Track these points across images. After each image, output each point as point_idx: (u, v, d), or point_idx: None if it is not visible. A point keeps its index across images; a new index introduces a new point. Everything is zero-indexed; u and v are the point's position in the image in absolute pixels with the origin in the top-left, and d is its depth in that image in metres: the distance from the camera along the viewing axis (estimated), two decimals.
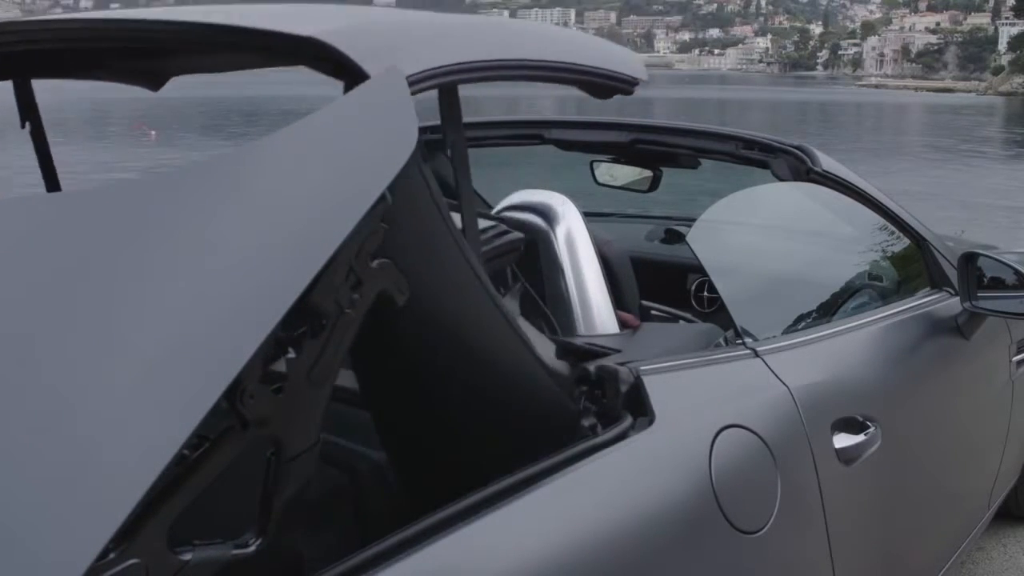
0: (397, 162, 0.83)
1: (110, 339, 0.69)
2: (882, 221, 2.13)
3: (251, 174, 0.84)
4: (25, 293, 0.72)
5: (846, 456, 1.54)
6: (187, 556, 0.73)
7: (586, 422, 1.25)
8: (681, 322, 2.03)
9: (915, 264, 2.24)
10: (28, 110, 1.49)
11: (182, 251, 0.75)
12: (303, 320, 0.77)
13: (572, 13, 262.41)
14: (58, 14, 1.33)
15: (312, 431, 0.80)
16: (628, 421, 1.21)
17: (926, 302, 2.12)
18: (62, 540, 0.58)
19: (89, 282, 0.73)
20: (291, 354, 0.76)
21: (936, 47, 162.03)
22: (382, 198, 0.78)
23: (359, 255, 0.79)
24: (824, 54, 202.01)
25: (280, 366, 0.78)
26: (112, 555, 0.65)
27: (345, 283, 0.78)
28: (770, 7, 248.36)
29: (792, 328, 1.76)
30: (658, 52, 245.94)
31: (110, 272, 0.73)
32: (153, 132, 24.85)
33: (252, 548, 0.80)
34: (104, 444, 0.63)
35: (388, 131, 0.88)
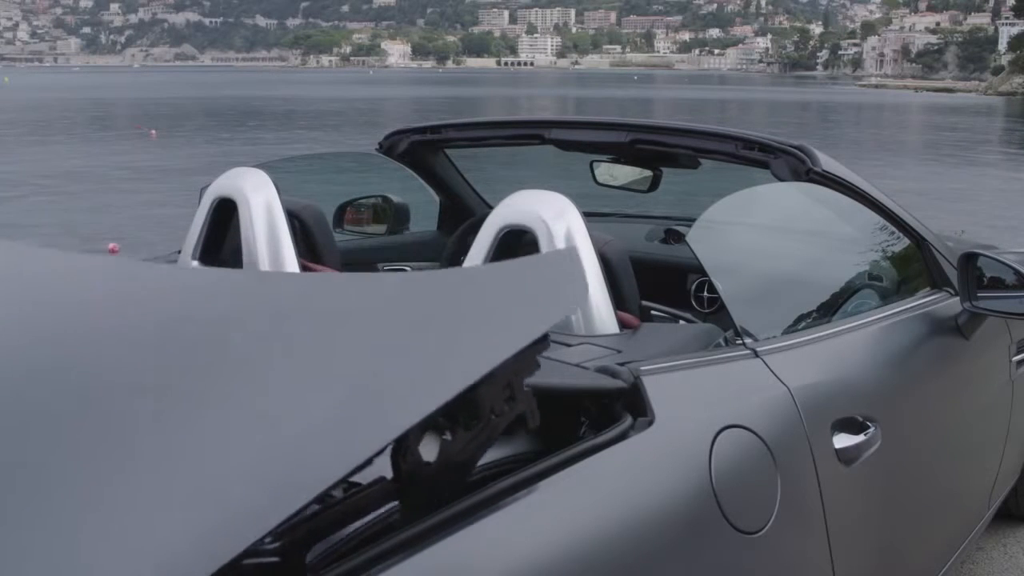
0: (561, 313, 1.09)
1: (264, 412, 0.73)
2: (882, 221, 2.13)
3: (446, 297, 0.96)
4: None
5: (846, 456, 1.54)
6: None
7: (586, 422, 1.25)
8: (681, 322, 2.03)
9: (915, 264, 2.24)
10: None
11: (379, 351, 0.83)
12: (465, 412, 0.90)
13: (572, 13, 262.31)
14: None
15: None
16: (628, 421, 1.21)
17: (926, 302, 2.12)
18: None
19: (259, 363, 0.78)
20: (447, 436, 0.88)
21: (936, 47, 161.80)
22: (544, 337, 0.90)
23: (516, 375, 0.92)
24: (824, 54, 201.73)
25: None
26: None
27: (502, 394, 0.91)
28: (770, 7, 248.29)
29: (792, 328, 1.76)
30: (658, 52, 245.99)
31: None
32: (153, 131, 24.92)
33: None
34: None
35: (559, 288, 1.02)
